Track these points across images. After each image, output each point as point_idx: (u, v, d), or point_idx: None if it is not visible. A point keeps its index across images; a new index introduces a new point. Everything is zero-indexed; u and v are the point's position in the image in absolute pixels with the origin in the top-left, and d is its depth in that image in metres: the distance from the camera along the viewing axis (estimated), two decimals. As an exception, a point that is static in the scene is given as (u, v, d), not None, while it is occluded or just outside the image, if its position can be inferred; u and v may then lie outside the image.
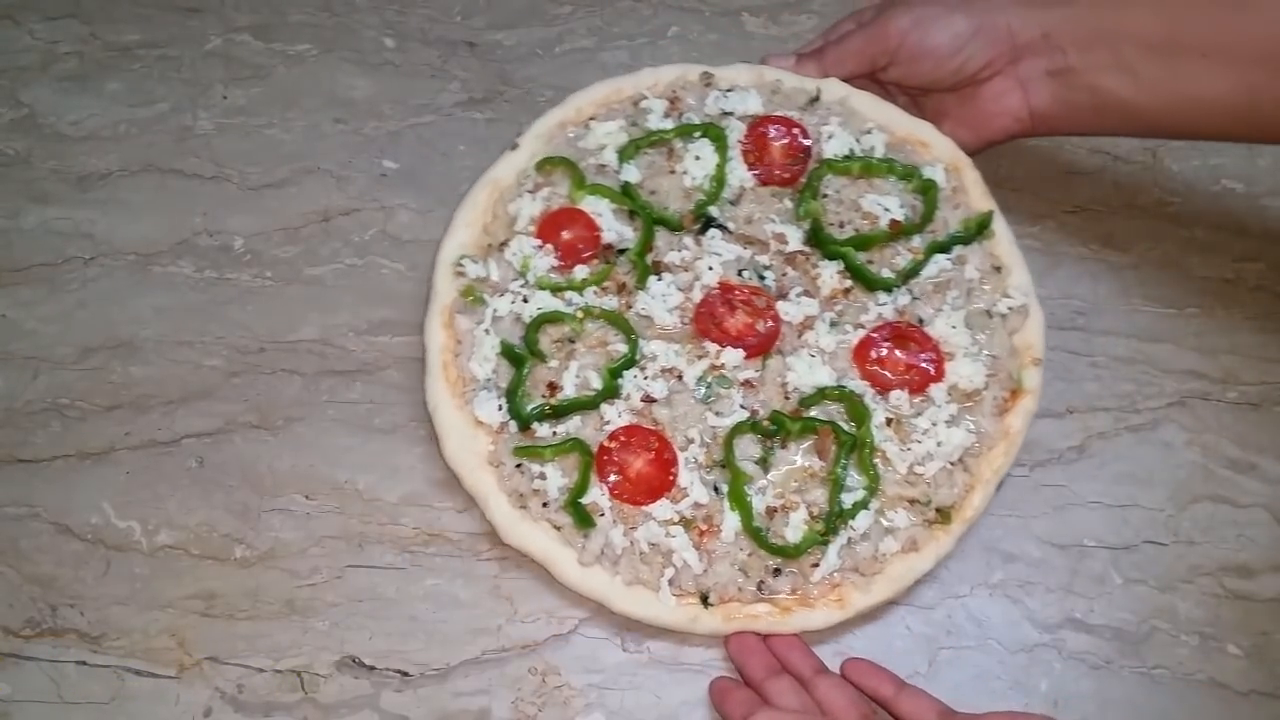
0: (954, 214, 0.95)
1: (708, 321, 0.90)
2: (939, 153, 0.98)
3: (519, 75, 1.11)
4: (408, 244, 1.02)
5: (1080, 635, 0.88)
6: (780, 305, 0.91)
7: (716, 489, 0.86)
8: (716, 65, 1.02)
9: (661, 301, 0.91)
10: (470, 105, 1.10)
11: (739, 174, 0.96)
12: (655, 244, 0.94)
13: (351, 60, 1.12)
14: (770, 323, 0.90)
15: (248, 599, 0.87)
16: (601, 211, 0.95)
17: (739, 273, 0.93)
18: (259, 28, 1.14)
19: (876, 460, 0.86)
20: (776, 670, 0.82)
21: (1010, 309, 0.92)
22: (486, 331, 0.90)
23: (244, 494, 0.91)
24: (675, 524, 0.85)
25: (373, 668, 0.85)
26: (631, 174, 0.96)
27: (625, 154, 0.96)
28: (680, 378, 0.89)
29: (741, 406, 0.88)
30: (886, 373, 0.89)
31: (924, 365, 0.89)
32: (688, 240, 0.94)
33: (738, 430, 0.86)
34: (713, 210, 0.95)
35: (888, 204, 0.95)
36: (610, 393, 0.88)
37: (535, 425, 0.87)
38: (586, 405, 0.88)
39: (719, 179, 0.96)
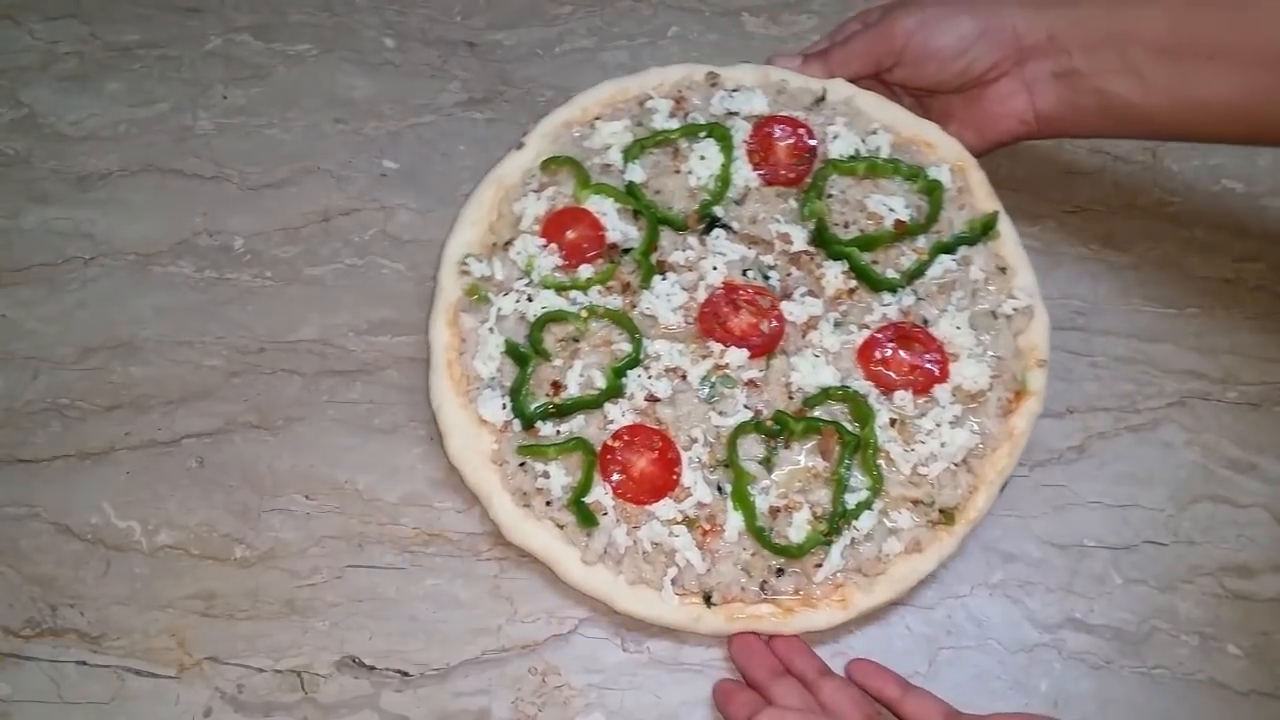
0: (959, 214, 0.96)
1: (712, 321, 0.90)
2: (944, 153, 0.98)
3: (519, 75, 1.11)
4: (408, 244, 1.02)
5: (1080, 635, 0.88)
6: (784, 305, 0.91)
7: (720, 489, 0.86)
8: (717, 65, 1.02)
9: (666, 301, 0.91)
10: (470, 105, 1.10)
11: (744, 174, 0.96)
12: (660, 243, 0.94)
13: (351, 60, 1.12)
14: (774, 323, 0.90)
15: (248, 599, 0.87)
16: (606, 211, 0.94)
17: (743, 272, 0.93)
18: (259, 28, 1.13)
19: (880, 461, 0.86)
20: (779, 671, 0.82)
21: (1015, 310, 0.92)
22: (491, 330, 0.90)
23: (244, 494, 0.91)
24: (678, 523, 0.84)
25: (373, 668, 0.85)
26: (636, 173, 0.96)
27: (630, 154, 0.96)
28: (684, 377, 0.89)
29: (745, 406, 0.88)
30: (891, 373, 0.89)
31: (928, 366, 0.89)
32: (692, 240, 0.94)
33: (741, 430, 0.86)
34: (717, 210, 0.95)
35: (893, 204, 0.95)
36: (614, 392, 0.88)
37: (539, 424, 0.87)
38: (590, 404, 0.88)
39: (724, 179, 0.96)
